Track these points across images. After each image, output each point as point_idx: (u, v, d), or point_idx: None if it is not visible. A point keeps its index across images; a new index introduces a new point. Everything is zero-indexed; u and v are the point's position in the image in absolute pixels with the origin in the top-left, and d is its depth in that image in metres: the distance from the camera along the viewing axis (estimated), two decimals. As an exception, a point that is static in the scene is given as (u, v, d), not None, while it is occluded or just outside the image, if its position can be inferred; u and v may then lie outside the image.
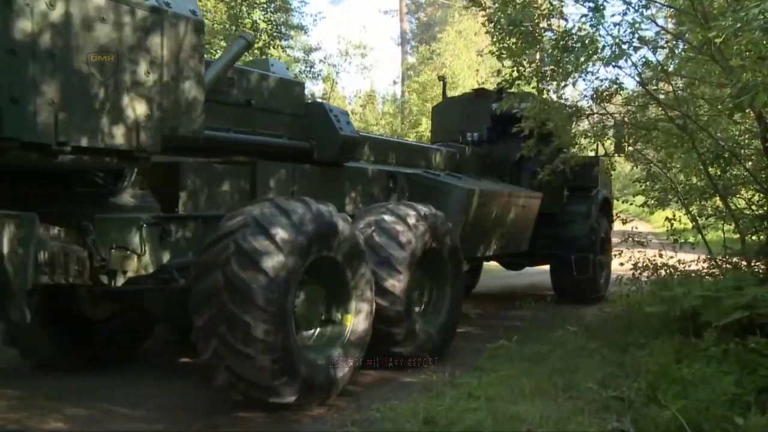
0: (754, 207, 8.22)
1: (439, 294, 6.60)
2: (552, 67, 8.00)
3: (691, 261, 8.24)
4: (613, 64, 7.32)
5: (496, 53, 8.43)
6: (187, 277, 4.63)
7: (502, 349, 6.77)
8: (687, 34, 7.46)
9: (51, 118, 3.74)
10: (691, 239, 8.50)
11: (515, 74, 8.39)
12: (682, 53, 7.75)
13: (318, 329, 5.24)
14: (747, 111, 6.40)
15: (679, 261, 8.17)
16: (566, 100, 9.39)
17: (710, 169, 7.92)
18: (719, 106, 7.46)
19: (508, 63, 8.76)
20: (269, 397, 4.66)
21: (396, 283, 5.80)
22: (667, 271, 8.03)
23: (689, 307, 5.98)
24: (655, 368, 5.18)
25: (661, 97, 8.26)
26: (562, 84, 8.35)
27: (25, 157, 3.78)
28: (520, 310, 8.85)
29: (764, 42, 4.97)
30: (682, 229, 8.55)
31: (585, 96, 9.03)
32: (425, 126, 27.04)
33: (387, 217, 6.01)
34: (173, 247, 4.69)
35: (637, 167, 10.37)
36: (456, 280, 6.70)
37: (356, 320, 5.29)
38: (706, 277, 7.38)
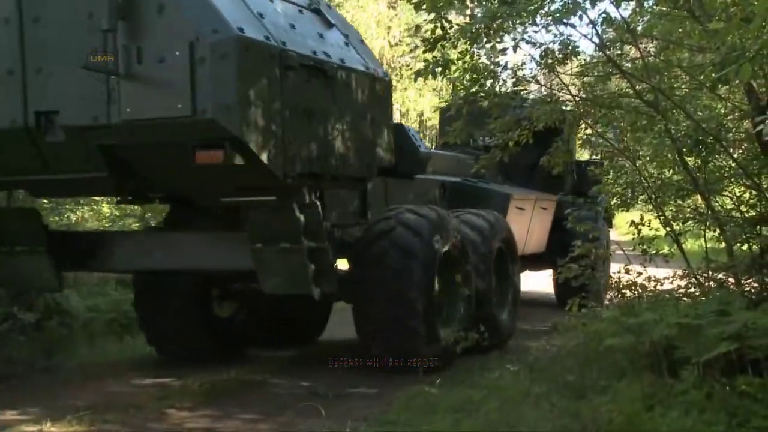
0: (743, 208, 8.48)
1: (504, 288, 9.75)
2: (486, 23, 8.00)
3: (665, 278, 8.40)
4: (564, 21, 7.40)
5: (413, 2, 8.37)
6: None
7: (420, 397, 6.77)
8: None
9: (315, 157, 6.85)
10: (665, 249, 8.69)
11: (438, 32, 8.36)
12: (654, 8, 7.93)
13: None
14: (735, 83, 6.59)
15: (648, 278, 8.31)
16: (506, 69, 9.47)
17: (688, 158, 8.11)
18: (700, 77, 7.65)
19: (428, 18, 8.73)
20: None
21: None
22: (634, 292, 8.16)
23: (662, 338, 6.06)
24: (620, 419, 5.19)
25: (626, 65, 8.44)
26: (500, 47, 8.40)
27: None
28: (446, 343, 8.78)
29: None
30: (652, 237, 8.71)
31: (530, 61, 9.13)
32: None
33: (476, 221, 9.38)
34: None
35: (596, 155, 10.56)
36: (516, 275, 10.15)
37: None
38: (684, 299, 7.54)
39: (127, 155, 6.38)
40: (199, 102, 5.62)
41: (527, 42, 8.38)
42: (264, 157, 5.99)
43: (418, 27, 9.06)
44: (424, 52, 8.67)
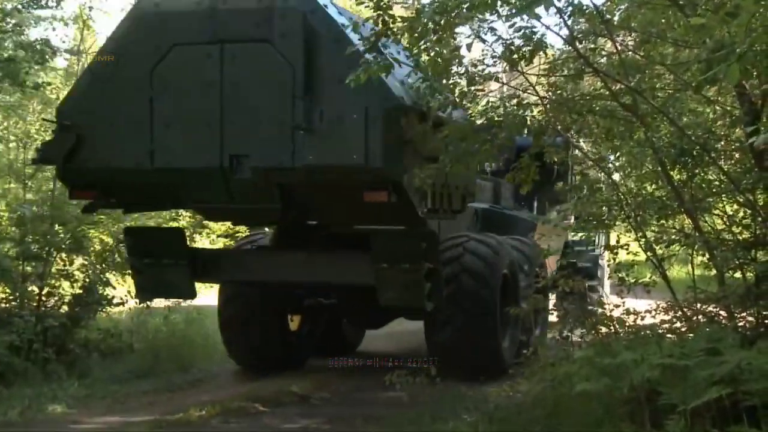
0: (736, 229, 8.57)
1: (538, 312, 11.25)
2: (435, 15, 7.97)
3: (646, 311, 8.48)
4: (528, 13, 7.39)
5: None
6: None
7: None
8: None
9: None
10: (646, 278, 8.76)
11: (380, 26, 8.30)
12: (633, -5, 7.98)
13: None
14: (724, 84, 6.67)
15: (627, 311, 8.37)
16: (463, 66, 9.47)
17: (672, 171, 8.19)
18: (685, 77, 7.74)
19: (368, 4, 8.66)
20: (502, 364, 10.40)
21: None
22: (610, 327, 8.19)
23: (643, 381, 6.08)
24: (595, 479, 5.19)
25: (600, 61, 8.50)
26: (453, 41, 8.37)
27: None
28: (389, 390, 8.75)
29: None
30: (631, 263, 8.78)
31: (489, 58, 9.12)
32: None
33: (521, 247, 12.15)
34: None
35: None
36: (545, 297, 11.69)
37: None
38: (668, 336, 7.59)
39: (300, 192, 9.27)
40: (371, 154, 8.28)
41: (481, 40, 8.39)
42: (414, 198, 8.75)
43: (355, 25, 8.86)
44: (365, 52, 8.60)
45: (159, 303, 13.11)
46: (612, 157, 9.47)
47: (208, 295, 16.17)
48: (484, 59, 9.19)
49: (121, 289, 13.48)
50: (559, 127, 9.35)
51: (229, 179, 8.98)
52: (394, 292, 9.11)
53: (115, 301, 13.12)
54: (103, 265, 13.25)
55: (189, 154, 9.00)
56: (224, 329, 11.92)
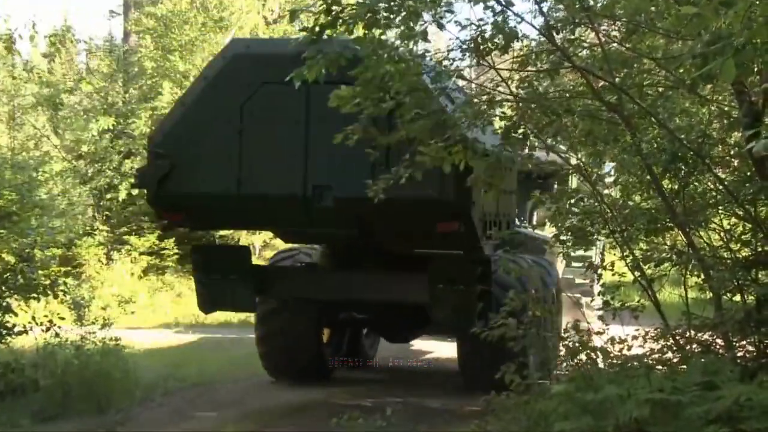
0: (735, 245, 8.65)
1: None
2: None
3: (633, 338, 8.53)
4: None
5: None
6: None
7: None
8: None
9: None
10: (634, 301, 8.83)
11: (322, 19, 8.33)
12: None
13: None
14: (719, 82, 6.76)
15: (612, 339, 8.43)
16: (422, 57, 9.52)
17: (663, 180, 8.26)
18: (678, 73, 7.81)
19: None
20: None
21: None
22: (592, 357, 8.25)
23: (630, 420, 6.11)
24: None
25: (582, 54, 8.59)
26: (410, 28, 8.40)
27: None
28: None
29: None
30: (617, 285, 8.85)
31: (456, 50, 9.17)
32: (170, 97, 26.87)
33: (545, 265, 14.11)
34: None
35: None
36: (560, 313, 14.26)
37: None
38: (658, 368, 7.65)
39: (375, 219, 11.09)
40: (445, 189, 10.01)
41: (439, 26, 8.42)
42: (478, 227, 10.84)
43: (293, 13, 8.94)
44: (309, 43, 8.61)
45: (70, 333, 13.10)
46: (596, 166, 9.51)
47: (127, 323, 16.08)
48: (448, 51, 9.24)
49: (25, 315, 13.22)
50: (533, 128, 9.44)
51: (310, 207, 11.03)
52: (448, 311, 10.88)
53: (16, 329, 12.95)
54: (2, 288, 13.08)
55: (274, 182, 11.05)
56: (262, 343, 14.49)
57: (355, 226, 11.40)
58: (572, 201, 9.38)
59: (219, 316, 26.57)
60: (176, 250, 28.66)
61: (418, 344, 17.92)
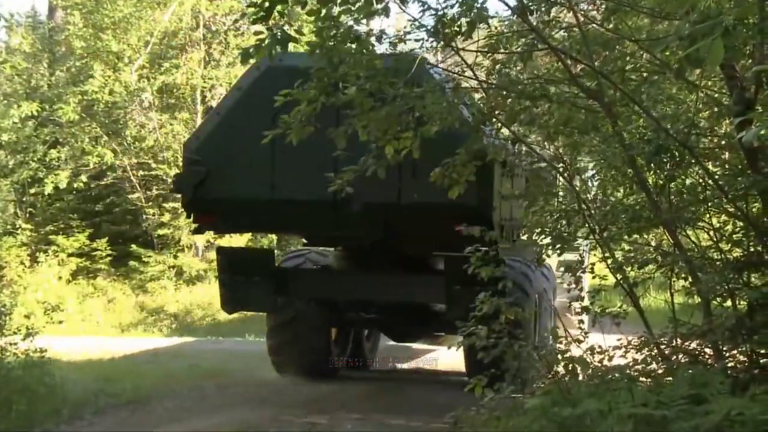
0: (725, 245, 8.72)
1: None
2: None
3: (615, 348, 8.59)
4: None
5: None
6: None
7: None
8: None
9: None
10: (615, 307, 8.88)
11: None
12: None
13: None
14: (706, 67, 6.81)
15: (591, 348, 8.48)
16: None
17: (647, 174, 8.31)
18: (663, 55, 7.87)
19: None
20: None
21: None
22: (569, 369, 8.30)
23: (611, 437, 6.18)
24: None
25: (558, 36, 8.63)
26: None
27: None
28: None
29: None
30: (597, 288, 8.90)
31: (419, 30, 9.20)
32: (101, 81, 26.79)
33: (547, 274, 15.68)
34: None
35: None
36: (547, 320, 15.85)
37: None
38: (642, 380, 7.70)
39: (399, 223, 12.97)
40: (469, 195, 10.51)
41: (403, 2, 8.45)
42: (497, 231, 12.01)
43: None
44: (254, 21, 8.63)
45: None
46: (574, 159, 9.55)
47: (54, 332, 15.98)
48: (408, 32, 9.26)
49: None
50: (504, 117, 9.47)
51: (339, 212, 12.65)
52: (463, 312, 10.94)
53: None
54: None
55: (305, 188, 12.77)
56: (272, 337, 16.26)
57: (381, 230, 13.12)
58: (547, 198, 9.42)
59: (157, 323, 26.72)
60: (109, 251, 28.57)
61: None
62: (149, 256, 29.28)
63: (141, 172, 30.32)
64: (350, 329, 17.78)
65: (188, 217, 14.68)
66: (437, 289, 13.51)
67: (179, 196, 14.57)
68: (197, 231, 15.20)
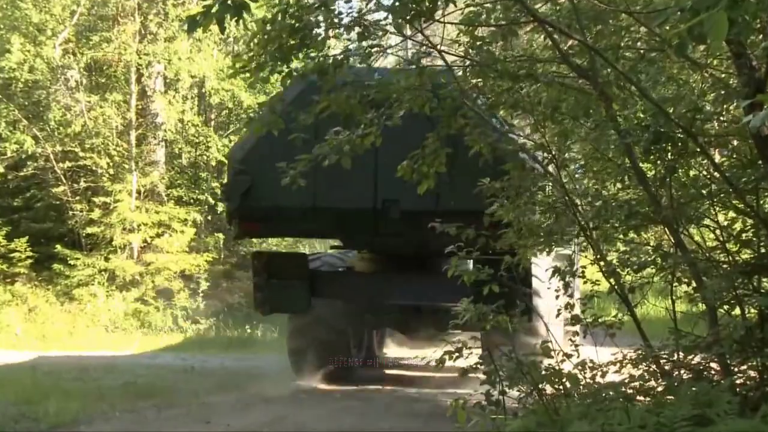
0: (733, 246, 8.76)
1: None
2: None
3: (609, 363, 8.65)
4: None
5: None
6: None
7: None
8: None
9: None
10: (610, 315, 8.93)
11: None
12: None
13: None
14: (710, 44, 6.88)
15: (583, 363, 8.54)
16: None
17: (645, 164, 8.37)
18: (663, 30, 7.92)
19: None
20: None
21: None
22: (558, 386, 8.34)
23: (605, 462, 6.25)
24: None
25: (545, 9, 8.68)
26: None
27: None
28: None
29: None
30: (589, 295, 8.96)
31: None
32: (21, 56, 26.75)
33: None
34: None
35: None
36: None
37: None
38: (639, 399, 7.76)
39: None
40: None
41: None
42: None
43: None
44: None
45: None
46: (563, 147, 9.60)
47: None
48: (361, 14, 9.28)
49: None
50: (485, 99, 9.51)
51: (378, 218, 15.07)
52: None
53: None
54: None
55: (347, 196, 14.87)
56: (293, 339, 18.78)
57: (420, 236, 13.67)
58: (532, 191, 9.46)
59: (86, 335, 26.69)
60: (29, 253, 28.46)
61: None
62: (76, 259, 29.16)
63: (67, 162, 30.10)
64: (365, 330, 20.45)
65: (229, 224, 17.01)
66: (464, 291, 14.44)
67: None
68: (237, 237, 17.92)
